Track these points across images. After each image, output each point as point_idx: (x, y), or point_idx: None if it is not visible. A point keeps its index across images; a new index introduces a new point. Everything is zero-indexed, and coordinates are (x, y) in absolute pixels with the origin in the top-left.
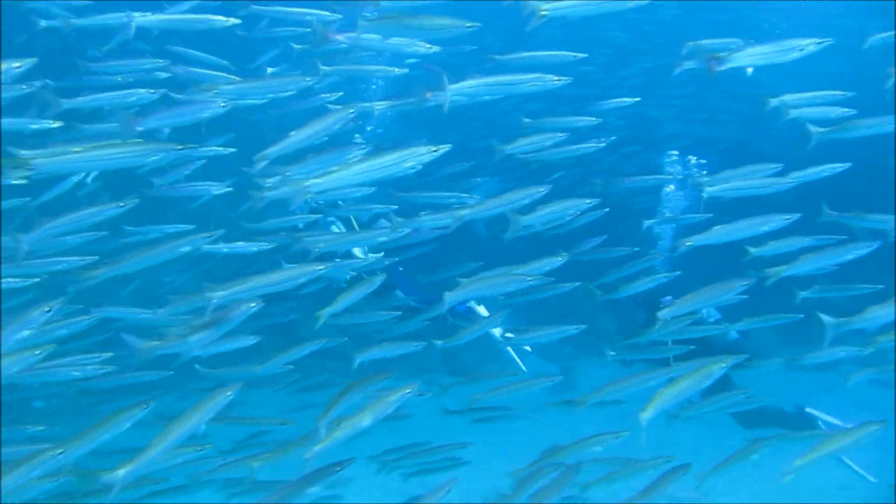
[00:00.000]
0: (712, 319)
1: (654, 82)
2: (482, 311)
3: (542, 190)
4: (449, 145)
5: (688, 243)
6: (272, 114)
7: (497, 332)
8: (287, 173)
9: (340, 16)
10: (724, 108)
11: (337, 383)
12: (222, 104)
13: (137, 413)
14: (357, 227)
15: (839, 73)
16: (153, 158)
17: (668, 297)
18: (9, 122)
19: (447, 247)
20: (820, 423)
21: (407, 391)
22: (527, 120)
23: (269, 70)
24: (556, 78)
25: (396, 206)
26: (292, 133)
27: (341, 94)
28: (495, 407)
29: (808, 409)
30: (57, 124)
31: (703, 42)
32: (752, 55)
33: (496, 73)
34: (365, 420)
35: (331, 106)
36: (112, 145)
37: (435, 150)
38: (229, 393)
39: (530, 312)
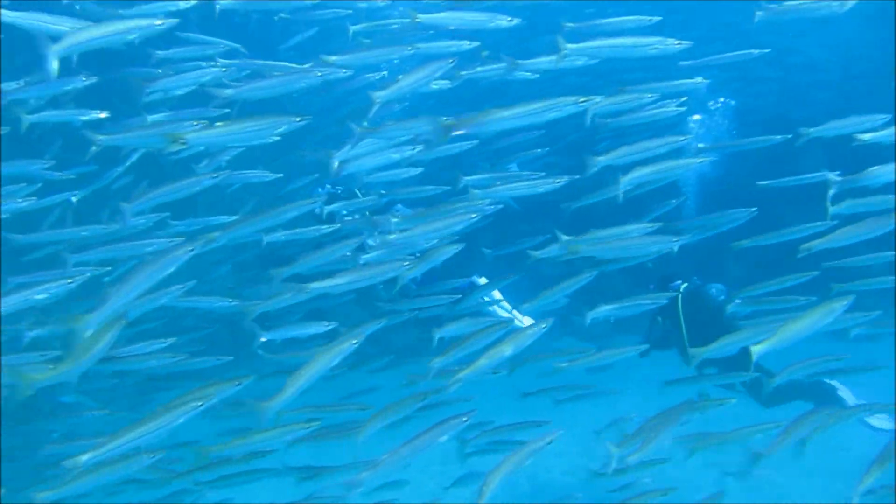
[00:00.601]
0: (722, 297)
1: (686, 51)
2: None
3: (683, 139)
4: (599, 98)
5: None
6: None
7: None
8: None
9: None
10: (761, 77)
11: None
12: (318, 74)
13: (229, 389)
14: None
15: (877, 41)
16: (280, 130)
17: (678, 282)
18: (59, 114)
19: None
20: (841, 396)
21: (543, 326)
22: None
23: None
24: (677, 42)
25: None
26: (400, 78)
27: (385, 73)
28: (575, 385)
29: (831, 383)
30: (104, 115)
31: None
32: None
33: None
34: (507, 350)
35: (372, 93)
36: (246, 119)
37: (584, 101)
38: (354, 341)
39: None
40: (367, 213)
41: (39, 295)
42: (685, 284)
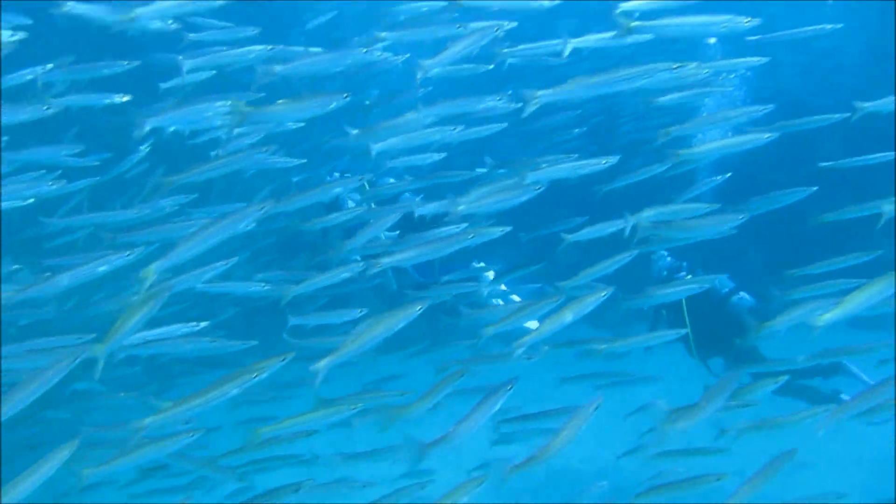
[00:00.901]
0: (725, 290)
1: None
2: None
3: (765, 108)
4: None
5: None
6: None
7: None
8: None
9: None
10: (786, 61)
11: None
12: (364, 51)
13: (276, 364)
14: (374, 206)
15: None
16: (331, 107)
17: (682, 273)
18: (81, 98)
19: None
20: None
21: (603, 294)
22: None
23: None
24: (746, 20)
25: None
26: (450, 44)
27: (408, 55)
28: (617, 372)
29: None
30: (126, 98)
31: None
32: None
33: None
34: (567, 316)
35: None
36: (301, 98)
37: (677, 67)
38: (419, 307)
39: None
40: (373, 203)
41: (102, 267)
42: (689, 276)
